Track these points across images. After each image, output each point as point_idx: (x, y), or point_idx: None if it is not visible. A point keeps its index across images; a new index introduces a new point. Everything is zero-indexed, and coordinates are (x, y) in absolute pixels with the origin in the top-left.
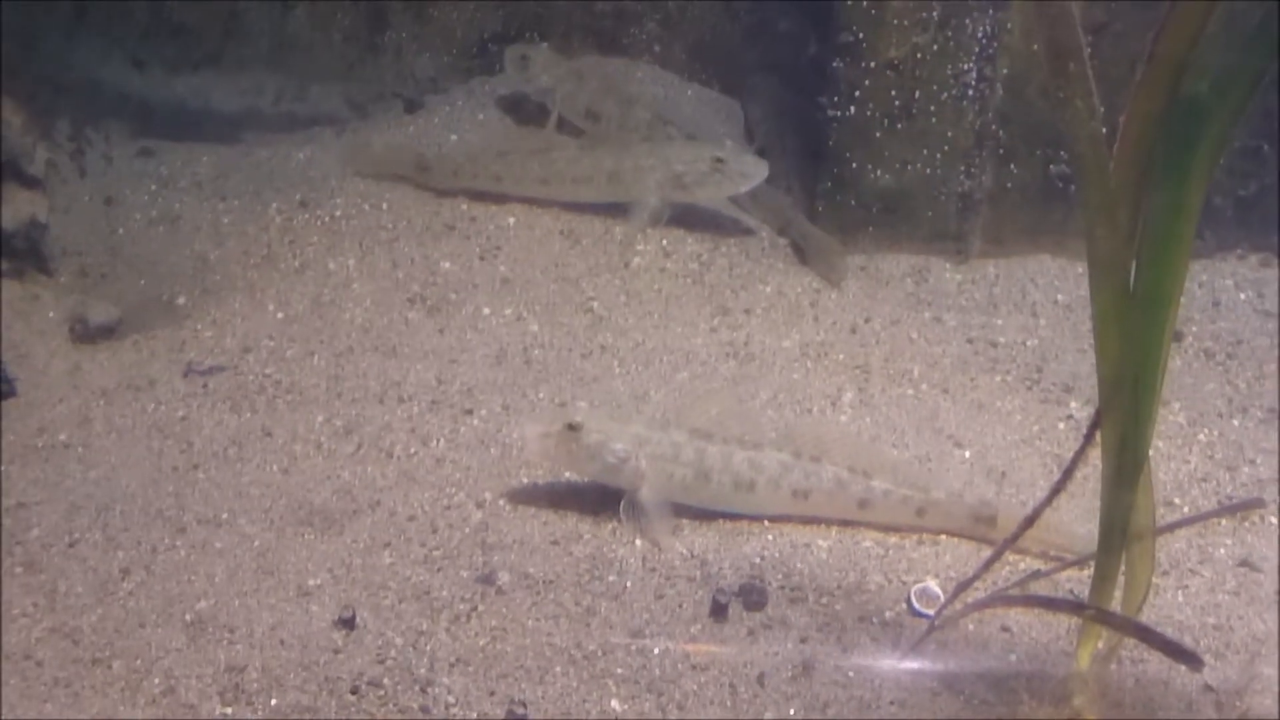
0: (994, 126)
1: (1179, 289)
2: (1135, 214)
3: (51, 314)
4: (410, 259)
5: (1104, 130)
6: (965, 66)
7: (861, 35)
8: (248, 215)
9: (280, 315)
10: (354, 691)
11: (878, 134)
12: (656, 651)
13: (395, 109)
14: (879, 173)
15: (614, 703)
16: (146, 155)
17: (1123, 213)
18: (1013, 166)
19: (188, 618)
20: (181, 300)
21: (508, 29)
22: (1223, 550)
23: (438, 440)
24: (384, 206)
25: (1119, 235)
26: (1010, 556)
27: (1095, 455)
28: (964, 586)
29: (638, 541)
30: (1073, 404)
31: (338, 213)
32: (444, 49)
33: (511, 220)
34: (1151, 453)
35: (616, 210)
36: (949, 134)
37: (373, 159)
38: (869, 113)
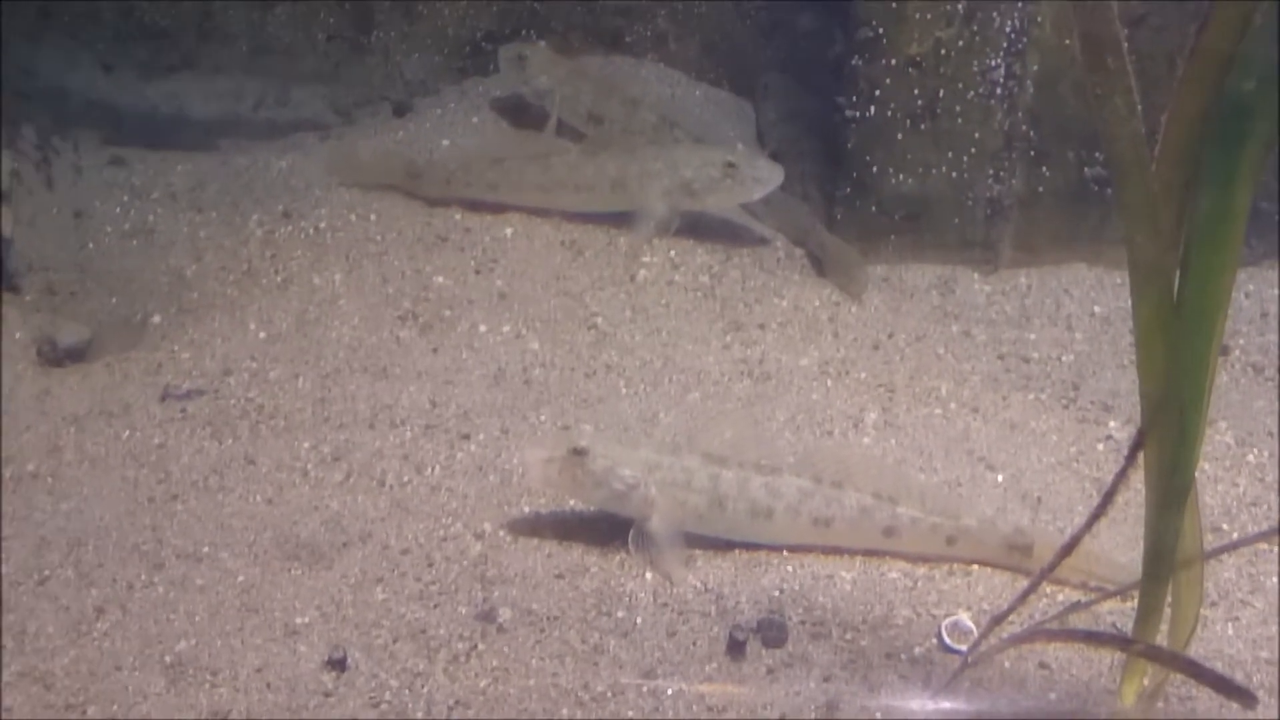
0: (1024, 126)
1: (1226, 299)
2: (1178, 219)
3: (18, 335)
4: (401, 273)
5: (1144, 130)
6: (993, 62)
7: (881, 30)
8: (226, 228)
9: (262, 335)
10: None
11: (899, 136)
12: (670, 693)
13: (383, 113)
14: (901, 177)
15: None
16: (118, 165)
17: (1165, 218)
18: (1045, 169)
19: (167, 660)
20: (157, 319)
21: (503, 26)
22: (1275, 579)
23: (432, 467)
24: (372, 217)
25: (1161, 242)
26: (1047, 587)
27: (1137, 478)
28: (998, 620)
29: (648, 574)
30: (1112, 423)
31: (323, 224)
32: (435, 48)
33: (509, 231)
34: (1197, 475)
35: (621, 220)
36: (976, 135)
37: (359, 167)
38: (890, 113)
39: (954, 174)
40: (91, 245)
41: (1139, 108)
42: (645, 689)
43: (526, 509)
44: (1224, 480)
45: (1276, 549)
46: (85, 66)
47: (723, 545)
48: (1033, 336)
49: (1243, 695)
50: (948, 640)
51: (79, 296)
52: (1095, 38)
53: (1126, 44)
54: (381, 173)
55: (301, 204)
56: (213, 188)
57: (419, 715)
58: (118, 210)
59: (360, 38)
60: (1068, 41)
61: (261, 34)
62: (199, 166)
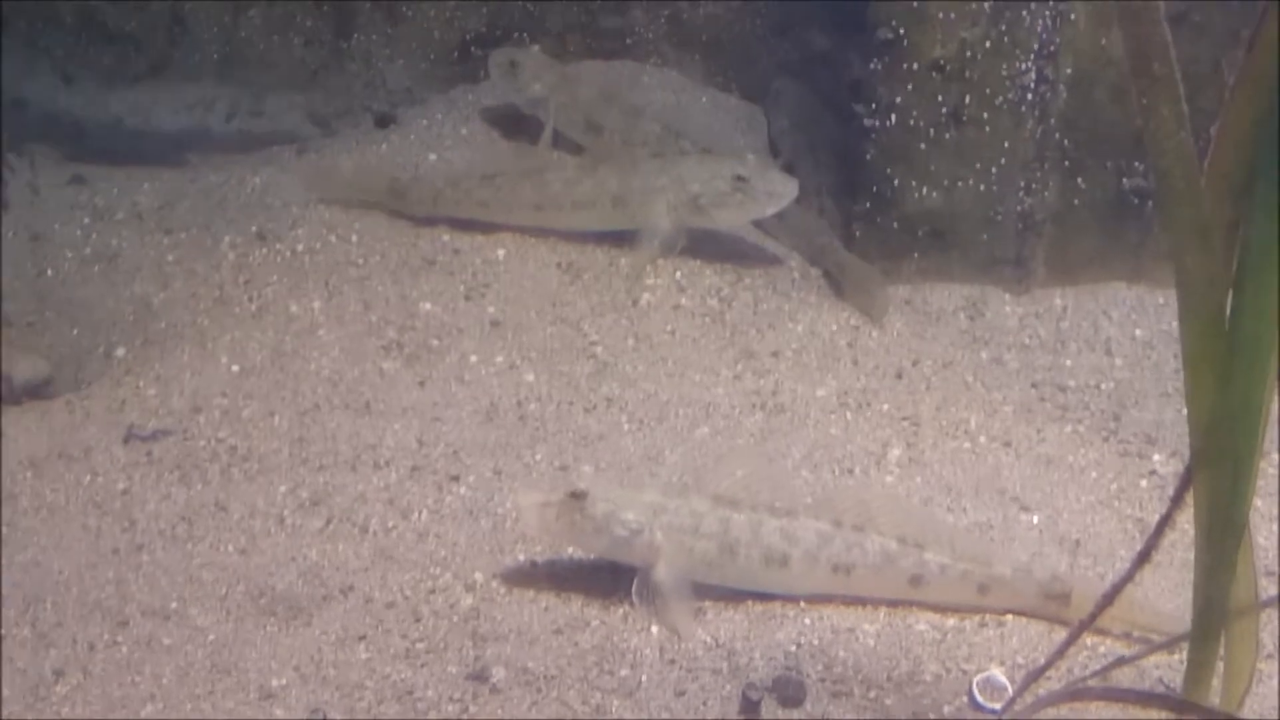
0: (1057, 135)
1: None
2: (1231, 236)
3: None
4: (385, 300)
5: (1193, 140)
6: (1023, 66)
7: (902, 31)
8: (196, 251)
9: (235, 368)
10: None
11: (922, 146)
12: None
13: (365, 124)
14: (925, 190)
15: None
16: (79, 184)
17: (1217, 235)
18: (1080, 181)
19: None
20: (121, 352)
21: (494, 29)
22: None
23: (419, 512)
24: (353, 238)
25: (1213, 261)
26: (1088, 639)
27: (1185, 518)
28: (1035, 676)
29: (654, 628)
30: (1156, 457)
31: (300, 246)
32: (421, 53)
33: (501, 253)
34: (1250, 514)
35: (623, 239)
36: (1005, 144)
37: (340, 183)
38: (912, 121)
39: (982, 187)
40: (50, 272)
41: (1187, 116)
42: None
43: (521, 557)
44: (1279, 519)
45: None
46: (43, 76)
47: (735, 596)
48: (1069, 363)
49: None
50: (979, 698)
51: (37, 328)
52: (1141, 41)
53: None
54: (363, 190)
55: (277, 224)
56: (182, 207)
57: None
58: (79, 233)
59: (340, 42)
60: (1104, 42)
61: (234, 39)
62: (167, 184)
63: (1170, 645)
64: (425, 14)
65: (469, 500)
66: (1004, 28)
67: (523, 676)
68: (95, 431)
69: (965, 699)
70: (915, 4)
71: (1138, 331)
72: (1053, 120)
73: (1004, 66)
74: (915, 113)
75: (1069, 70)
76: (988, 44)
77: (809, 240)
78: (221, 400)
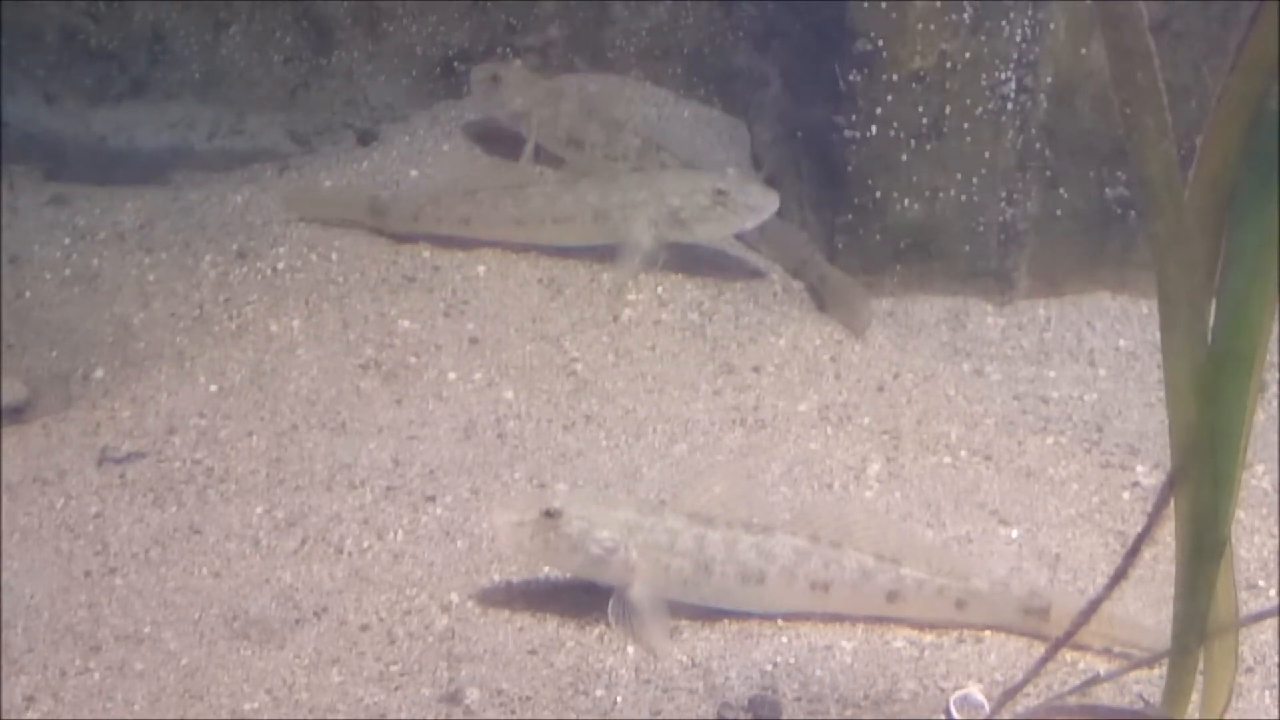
0: (1038, 144)
1: (1267, 333)
2: (1215, 247)
3: None
4: (364, 317)
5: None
6: (1003, 76)
7: (881, 43)
8: (177, 270)
9: (213, 388)
10: None
11: (904, 157)
12: None
13: (346, 141)
14: (906, 202)
15: None
16: (59, 204)
17: (1200, 246)
18: (1062, 190)
19: None
20: (100, 374)
21: (476, 44)
22: None
23: (395, 532)
24: (334, 256)
25: (1196, 273)
26: (1067, 655)
27: (1166, 531)
28: (1012, 693)
29: (629, 648)
30: (1139, 468)
31: (280, 265)
32: (402, 69)
33: (482, 269)
34: (1233, 526)
35: (604, 254)
36: (986, 154)
37: (320, 201)
38: (892, 133)
39: (963, 197)
40: (29, 294)
41: (1170, 126)
42: None
43: (497, 578)
44: (1261, 530)
45: None
46: (24, 95)
47: (711, 614)
48: (1052, 374)
49: None
50: (956, 716)
51: (15, 350)
52: (1124, 50)
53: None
54: (344, 207)
55: (258, 242)
56: (163, 226)
57: None
58: (58, 254)
59: (320, 59)
60: (1084, 51)
61: (215, 57)
62: (148, 203)
63: (1151, 661)
64: (407, 29)
65: (445, 520)
66: (983, 38)
67: (497, 698)
68: (70, 455)
69: (943, 717)
70: (893, 16)
71: (1121, 342)
72: (1034, 130)
73: (984, 76)
74: (896, 124)
75: (1049, 79)
76: (967, 54)
77: (791, 253)
78: (199, 421)
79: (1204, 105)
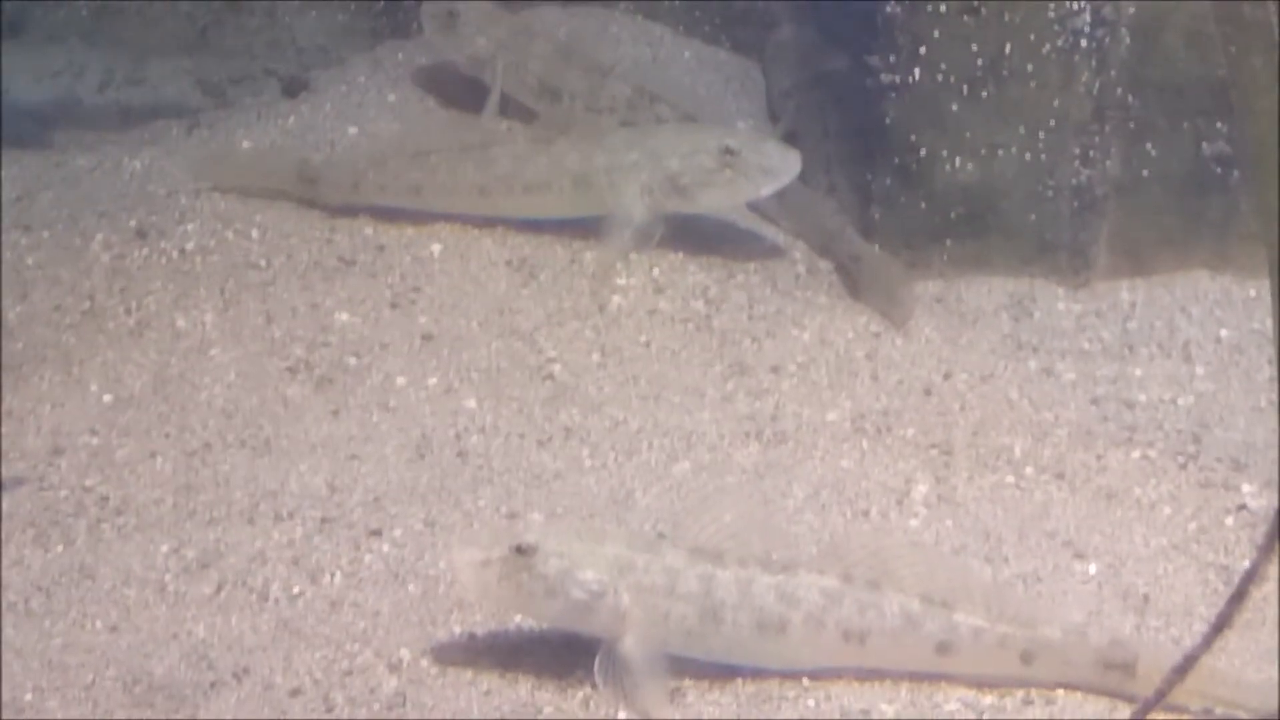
0: (1119, 90)
1: None
2: None
3: None
4: (292, 310)
5: None
6: (1075, 5)
7: None
8: (62, 253)
9: (108, 398)
10: None
11: (954, 107)
12: None
13: (269, 92)
14: (958, 162)
15: None
16: None
17: None
18: (1149, 147)
19: None
20: None
21: None
22: None
23: (332, 574)
24: (254, 234)
25: None
26: (1158, 718)
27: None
28: None
29: (621, 715)
30: (1246, 488)
31: (190, 245)
32: (337, 4)
33: (436, 248)
34: None
35: (587, 229)
36: (1055, 103)
37: (238, 166)
38: (940, 76)
39: (1027, 155)
40: None
41: None
42: None
43: (457, 629)
44: None
45: None
46: None
47: (721, 672)
48: (1138, 373)
49: None
50: None
51: None
52: None
53: None
54: (267, 174)
55: (162, 218)
56: (44, 199)
57: None
58: None
59: None
60: None
61: None
62: (26, 170)
63: None
64: None
65: (393, 559)
66: None
67: None
68: None
69: None
70: None
71: (1223, 332)
72: (1113, 72)
73: (1052, 6)
74: (944, 65)
75: (1132, 10)
76: None
77: (816, 226)
78: (90, 439)
79: None
